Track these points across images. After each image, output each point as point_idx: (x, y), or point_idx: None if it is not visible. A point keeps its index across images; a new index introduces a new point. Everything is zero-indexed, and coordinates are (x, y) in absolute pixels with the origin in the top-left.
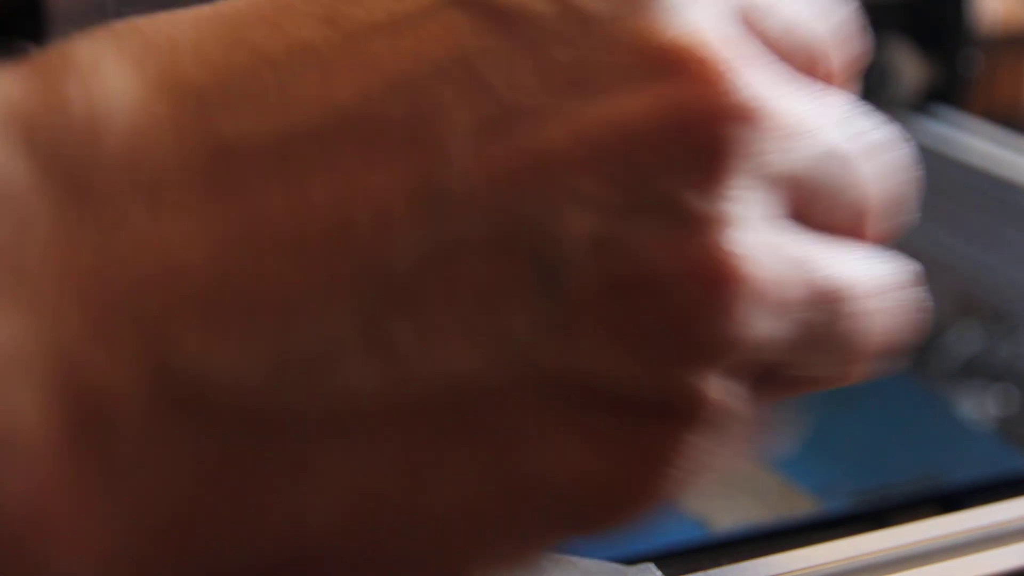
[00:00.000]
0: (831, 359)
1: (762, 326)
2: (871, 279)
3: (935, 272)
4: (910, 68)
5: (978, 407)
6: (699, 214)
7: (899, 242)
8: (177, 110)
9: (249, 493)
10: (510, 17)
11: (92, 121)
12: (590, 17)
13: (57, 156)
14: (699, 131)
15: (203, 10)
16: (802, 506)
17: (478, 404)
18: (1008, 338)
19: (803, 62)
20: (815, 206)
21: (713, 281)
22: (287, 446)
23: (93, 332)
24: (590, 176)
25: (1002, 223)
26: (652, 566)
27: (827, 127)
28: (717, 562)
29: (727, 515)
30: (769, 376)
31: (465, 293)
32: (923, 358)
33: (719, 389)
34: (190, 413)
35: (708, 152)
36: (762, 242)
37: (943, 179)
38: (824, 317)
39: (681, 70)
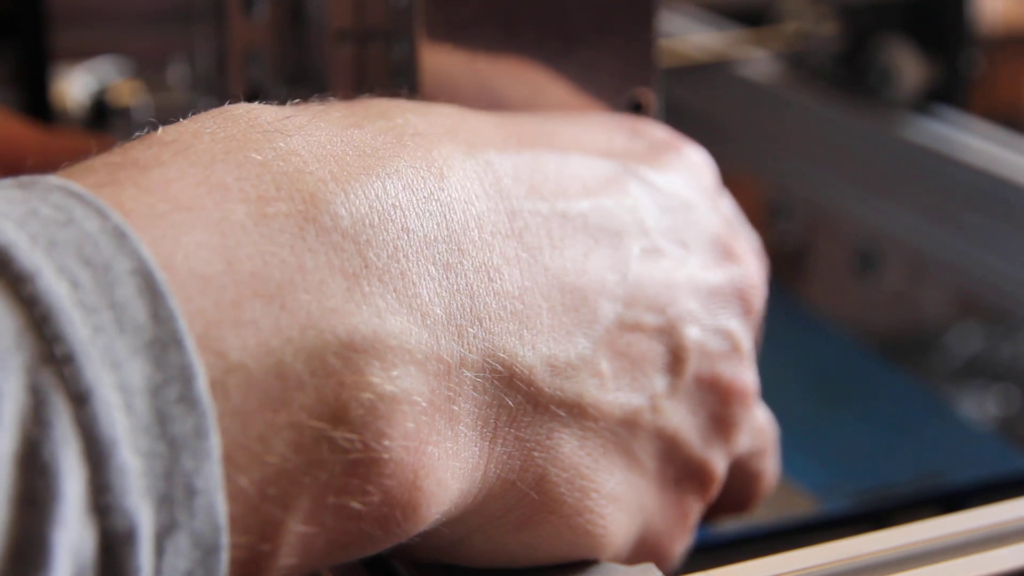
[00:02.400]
0: (767, 464)
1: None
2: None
3: (935, 272)
4: (910, 68)
5: (978, 407)
6: (740, 344)
7: (899, 242)
8: (487, 171)
9: (525, 443)
10: (657, 191)
11: (433, 167)
12: (691, 207)
13: (417, 189)
14: (748, 294)
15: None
16: (802, 506)
17: (631, 434)
18: (1008, 338)
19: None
20: None
21: (743, 391)
22: (546, 418)
23: (450, 323)
24: (699, 306)
25: (1002, 223)
26: (652, 566)
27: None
28: (717, 562)
29: None
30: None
31: (636, 354)
32: (923, 358)
33: (724, 467)
34: (498, 389)
35: (748, 306)
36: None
37: (943, 179)
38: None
39: (741, 261)
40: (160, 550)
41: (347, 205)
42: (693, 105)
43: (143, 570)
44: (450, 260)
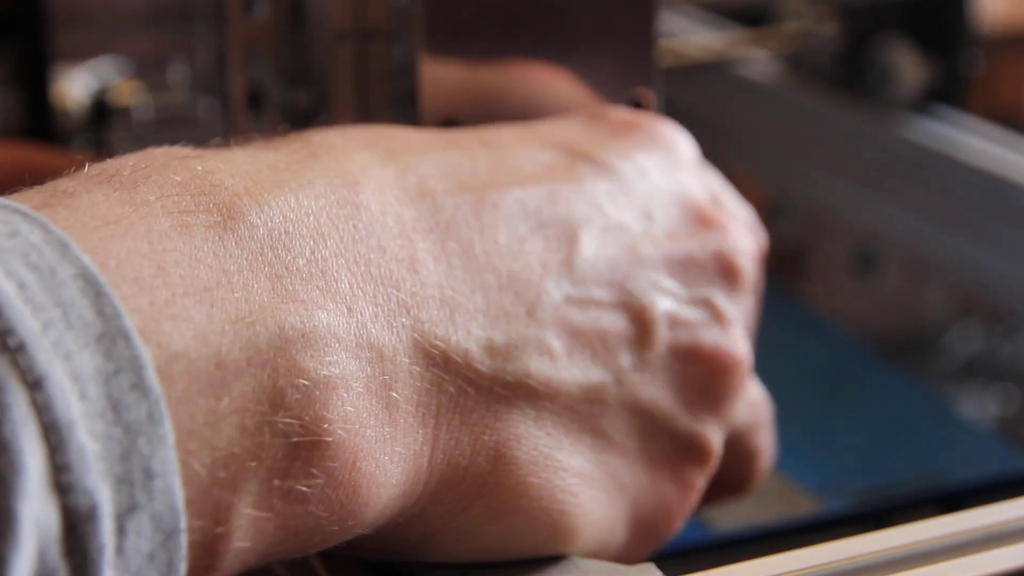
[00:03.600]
0: (763, 441)
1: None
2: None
3: (935, 272)
4: (910, 68)
5: (978, 407)
6: (723, 312)
7: (899, 242)
8: (418, 186)
9: (472, 428)
10: (611, 171)
11: (342, 176)
12: (654, 181)
13: (325, 199)
14: (729, 261)
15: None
16: (802, 506)
17: (597, 410)
18: (1008, 338)
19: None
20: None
21: (728, 359)
22: (491, 400)
23: (376, 310)
24: (669, 277)
25: (1002, 223)
26: (652, 566)
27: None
28: (717, 562)
29: (727, 515)
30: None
31: (592, 330)
32: (923, 358)
33: (719, 439)
34: (435, 374)
35: (732, 273)
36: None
37: (943, 179)
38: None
39: (720, 228)
40: (122, 531)
41: (261, 215)
42: (693, 105)
43: (106, 548)
44: (371, 256)
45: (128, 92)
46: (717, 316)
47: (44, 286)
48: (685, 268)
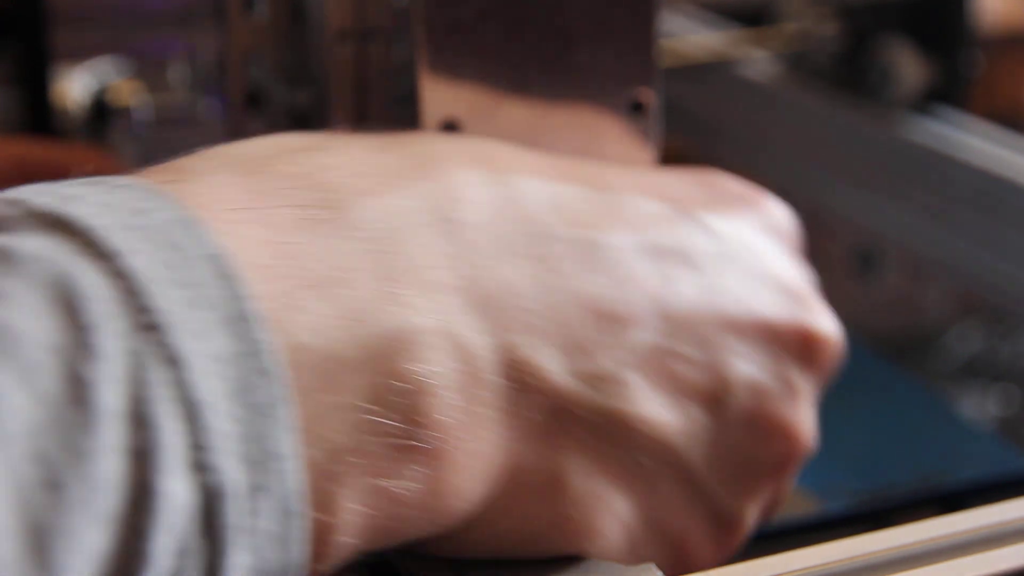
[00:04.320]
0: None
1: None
2: None
3: (935, 272)
4: (910, 68)
5: (978, 407)
6: (798, 389)
7: (899, 242)
8: (515, 197)
9: (540, 449)
10: (716, 235)
11: (455, 189)
12: (755, 252)
13: (439, 209)
14: (812, 342)
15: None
16: (802, 506)
17: (657, 459)
18: (1008, 338)
19: None
20: None
21: (799, 438)
22: (563, 426)
23: (470, 318)
24: (753, 345)
25: (1002, 223)
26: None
27: None
28: (717, 562)
29: None
30: None
31: (672, 381)
32: (923, 358)
33: (754, 519)
34: (514, 386)
35: (812, 354)
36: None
37: (943, 179)
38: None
39: (809, 310)
40: (252, 510)
41: (371, 218)
42: (693, 105)
43: (239, 527)
44: (468, 272)
45: (128, 92)
46: (792, 392)
47: (176, 265)
48: (771, 340)
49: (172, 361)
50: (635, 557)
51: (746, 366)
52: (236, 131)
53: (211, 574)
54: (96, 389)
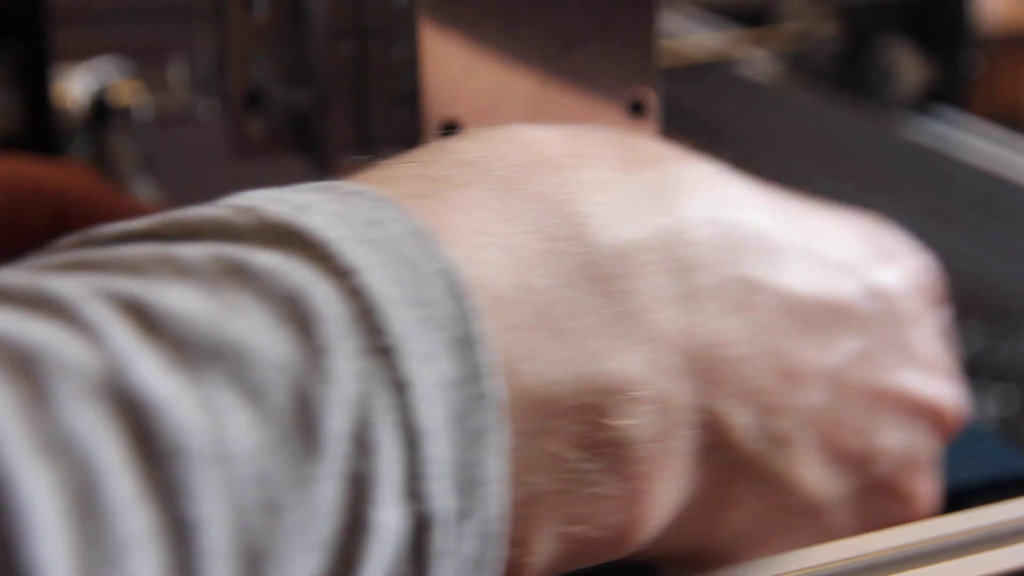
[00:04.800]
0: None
1: None
2: None
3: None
4: (910, 68)
5: (978, 407)
6: (926, 459)
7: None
8: (734, 238)
9: (718, 497)
10: (886, 298)
11: (689, 225)
12: (913, 318)
13: (673, 246)
14: (943, 416)
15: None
16: None
17: (816, 513)
18: (1008, 338)
19: None
20: None
21: (916, 505)
22: (741, 474)
23: (682, 373)
24: (898, 414)
25: (1002, 223)
26: (652, 566)
27: None
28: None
29: None
30: None
31: (830, 440)
32: None
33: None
34: (705, 441)
35: (940, 433)
36: None
37: (943, 179)
38: None
39: (941, 376)
40: (458, 535)
41: (613, 255)
42: (693, 105)
43: (447, 553)
44: (692, 320)
45: (128, 92)
46: (924, 464)
47: (410, 281)
48: (912, 410)
49: (399, 386)
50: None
51: (890, 436)
52: (236, 131)
53: None
54: (323, 413)
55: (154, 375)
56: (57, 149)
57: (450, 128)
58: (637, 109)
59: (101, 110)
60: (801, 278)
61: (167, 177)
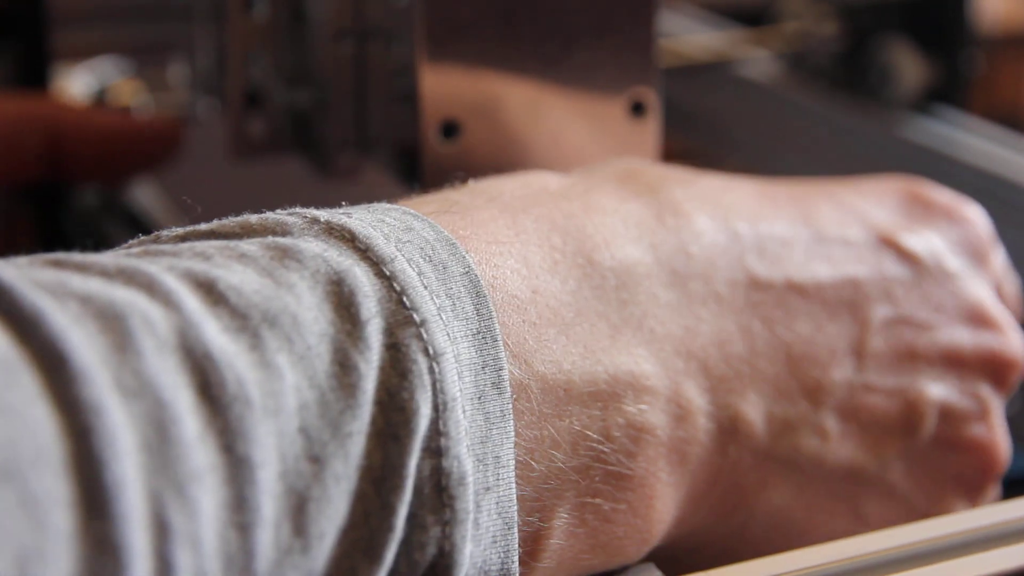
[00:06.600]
0: None
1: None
2: None
3: None
4: (910, 68)
5: None
6: (989, 407)
7: None
8: (735, 247)
9: (739, 489)
10: (913, 262)
11: (685, 240)
12: (949, 275)
13: (669, 261)
14: (1001, 365)
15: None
16: None
17: (856, 491)
18: None
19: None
20: None
21: (994, 457)
22: (763, 468)
23: (688, 373)
24: (943, 371)
25: (1002, 223)
26: (652, 565)
27: None
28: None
29: None
30: None
31: (866, 416)
32: None
33: None
34: (718, 436)
35: (1001, 376)
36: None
37: (943, 179)
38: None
39: (998, 331)
40: (478, 506)
41: (614, 269)
42: (693, 105)
43: (470, 515)
44: (689, 324)
45: (128, 92)
46: (984, 413)
47: (438, 278)
48: (960, 364)
49: (430, 355)
50: None
51: (937, 393)
52: (236, 131)
53: (441, 553)
54: (362, 376)
55: (219, 336)
56: None
57: (450, 128)
58: (637, 109)
59: None
60: (805, 267)
61: (167, 177)
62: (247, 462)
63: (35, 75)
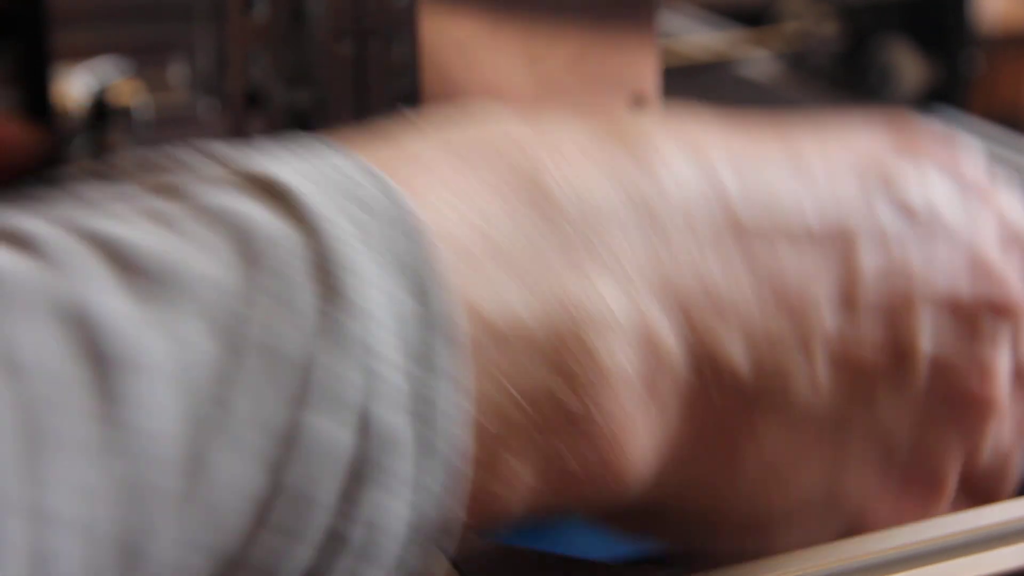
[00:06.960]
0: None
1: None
2: None
3: None
4: (910, 68)
5: None
6: (987, 356)
7: None
8: (716, 189)
9: (721, 432)
10: (906, 208)
11: (662, 180)
12: (944, 222)
13: (645, 201)
14: (1002, 315)
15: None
16: None
17: (843, 437)
18: None
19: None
20: None
21: (988, 404)
22: (746, 411)
23: (660, 307)
24: (938, 318)
25: None
26: (651, 565)
27: None
28: (717, 562)
29: None
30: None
31: (856, 362)
32: None
33: (955, 478)
34: (699, 377)
35: (1004, 324)
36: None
37: None
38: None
39: (998, 280)
40: (417, 465)
41: (572, 201)
42: (693, 105)
43: (405, 480)
44: (661, 255)
45: (128, 92)
46: (981, 364)
47: (374, 227)
48: (956, 311)
49: (354, 314)
50: (819, 531)
51: (930, 342)
52: (236, 131)
53: (371, 524)
54: (280, 338)
55: (112, 299)
56: (57, 149)
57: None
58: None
59: (101, 110)
60: (793, 213)
61: None
62: (138, 431)
63: (35, 75)
